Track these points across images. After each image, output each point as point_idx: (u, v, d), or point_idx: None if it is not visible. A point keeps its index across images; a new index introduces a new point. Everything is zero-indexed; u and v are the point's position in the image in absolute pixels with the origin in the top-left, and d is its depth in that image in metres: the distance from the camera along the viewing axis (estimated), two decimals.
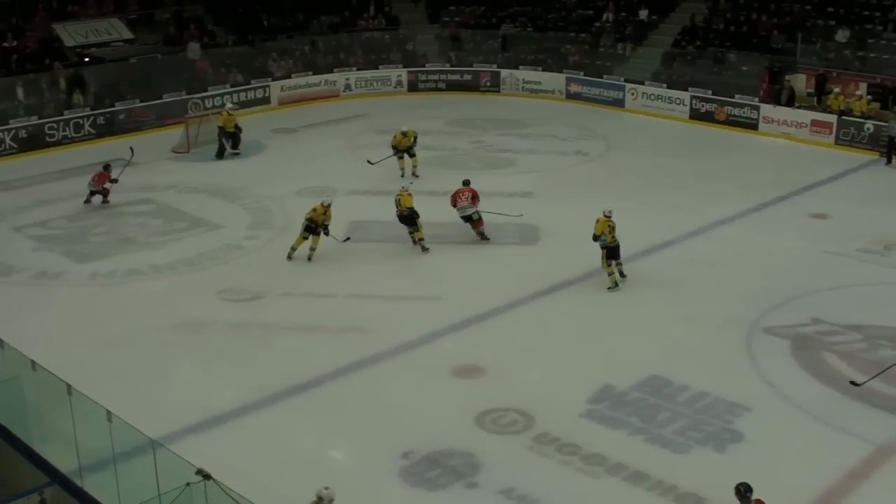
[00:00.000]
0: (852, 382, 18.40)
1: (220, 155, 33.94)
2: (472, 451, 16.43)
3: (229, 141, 34.08)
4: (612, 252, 22.97)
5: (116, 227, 27.05)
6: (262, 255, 25.13)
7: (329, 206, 24.73)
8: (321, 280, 23.46)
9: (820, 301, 21.87)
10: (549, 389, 18.50)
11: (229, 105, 34.81)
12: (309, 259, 24.47)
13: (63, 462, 14.81)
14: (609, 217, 23.02)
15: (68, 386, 14.36)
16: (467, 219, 25.64)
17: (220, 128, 34.21)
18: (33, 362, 15.16)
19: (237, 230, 26.69)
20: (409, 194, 25.52)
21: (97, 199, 28.70)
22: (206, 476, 12.28)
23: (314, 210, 24.59)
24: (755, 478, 15.52)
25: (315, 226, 24.51)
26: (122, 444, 13.99)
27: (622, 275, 23.07)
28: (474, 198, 25.61)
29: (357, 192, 29.40)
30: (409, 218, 25.28)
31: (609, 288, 22.84)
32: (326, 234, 24.68)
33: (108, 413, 13.63)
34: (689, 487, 15.38)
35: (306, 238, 24.53)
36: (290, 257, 24.63)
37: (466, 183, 26.09)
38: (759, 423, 17.23)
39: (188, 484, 12.36)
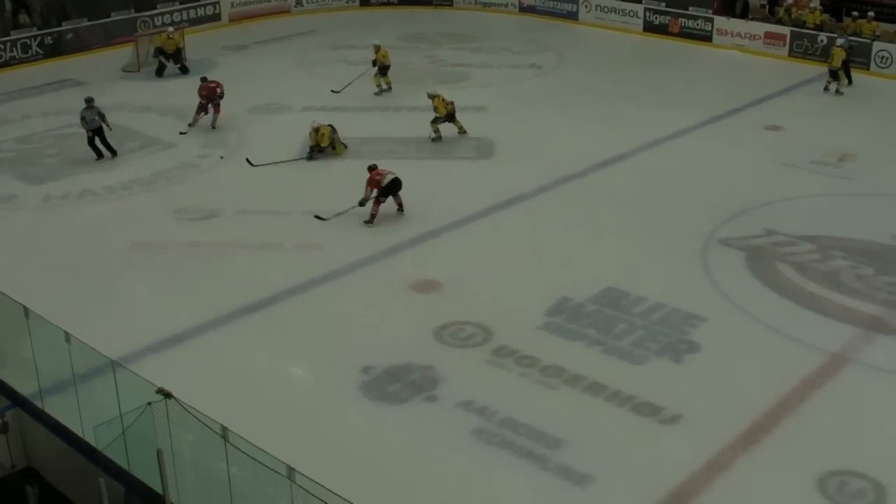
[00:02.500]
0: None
1: (160, 73, 33.66)
2: (431, 364, 16.53)
3: (169, 61, 33.71)
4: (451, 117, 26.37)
5: (68, 149, 26.73)
6: (216, 173, 25.00)
7: (318, 127, 25.57)
8: (275, 198, 23.37)
9: (774, 213, 22.03)
10: (507, 303, 18.60)
11: (170, 29, 34.34)
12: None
13: (23, 385, 14.83)
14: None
15: (25, 308, 14.30)
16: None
17: (157, 48, 33.88)
18: None
19: (190, 149, 26.49)
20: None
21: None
22: (167, 395, 12.29)
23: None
24: (711, 387, 15.88)
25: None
26: (81, 366, 13.96)
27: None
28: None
29: (311, 109, 29.15)
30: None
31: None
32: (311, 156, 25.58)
33: (67, 335, 13.60)
34: (646, 397, 15.55)
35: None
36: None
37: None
38: (714, 333, 17.42)
39: (149, 403, 12.37)
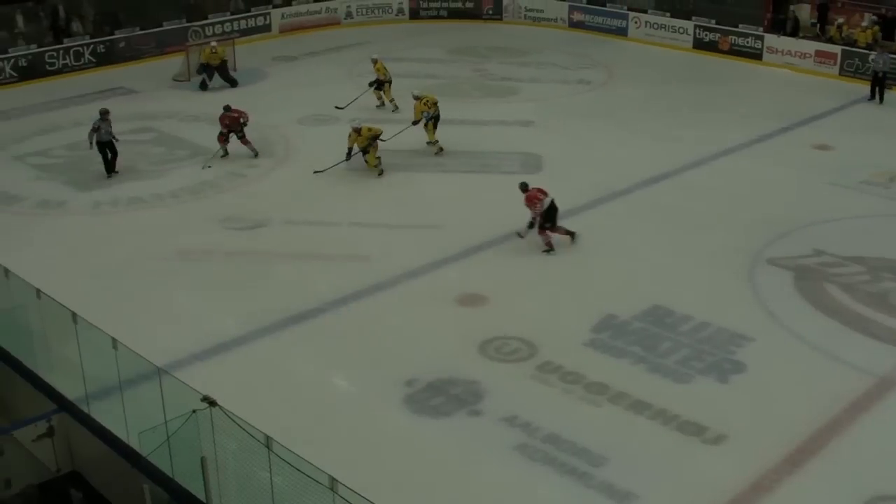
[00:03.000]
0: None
1: (203, 88, 33.81)
2: (476, 378, 16.52)
3: (212, 75, 33.92)
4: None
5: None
6: (264, 183, 25.10)
7: (359, 129, 25.51)
8: (323, 209, 23.45)
9: (822, 233, 21.86)
10: (552, 318, 18.55)
11: (213, 43, 34.54)
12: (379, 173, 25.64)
13: (69, 389, 14.88)
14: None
15: (73, 314, 14.38)
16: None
17: (202, 63, 34.07)
18: (38, 290, 15.17)
19: (238, 159, 26.62)
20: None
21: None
22: (212, 403, 12.32)
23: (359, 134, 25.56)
24: (756, 408, 15.75)
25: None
26: (127, 372, 14.01)
27: None
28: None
29: (359, 121, 29.13)
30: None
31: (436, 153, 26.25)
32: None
33: (114, 341, 13.67)
34: (690, 417, 15.46)
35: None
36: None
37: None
38: (761, 353, 17.28)
39: (194, 411, 12.41)
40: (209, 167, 25.72)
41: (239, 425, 12.17)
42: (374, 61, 31.18)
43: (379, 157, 25.51)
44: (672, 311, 18.62)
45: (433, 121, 26.68)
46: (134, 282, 19.99)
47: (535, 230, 21.33)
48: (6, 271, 15.94)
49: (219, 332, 18.09)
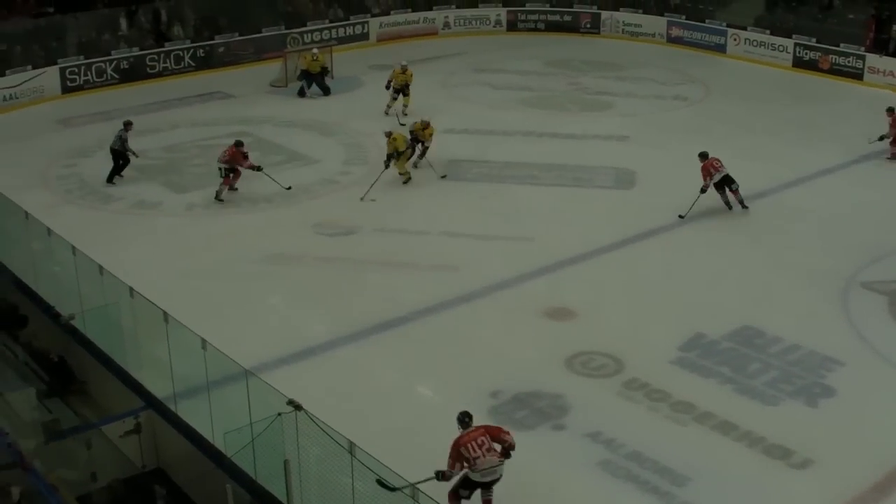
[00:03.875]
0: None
1: (302, 94, 34.11)
2: (561, 392, 16.44)
3: (311, 83, 34.20)
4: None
5: (213, 159, 27.17)
6: (357, 190, 25.20)
7: (427, 123, 25.78)
8: (414, 217, 23.53)
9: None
10: (640, 335, 18.40)
11: (315, 50, 34.82)
12: (415, 166, 26.07)
13: (158, 387, 15.13)
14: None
15: (165, 313, 14.61)
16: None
17: (303, 70, 34.34)
18: (131, 289, 15.44)
19: (332, 165, 26.84)
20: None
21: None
22: (298, 407, 12.43)
23: (414, 125, 26.06)
24: (845, 433, 15.47)
25: (416, 141, 25.99)
26: (215, 373, 14.20)
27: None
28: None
29: (453, 132, 29.30)
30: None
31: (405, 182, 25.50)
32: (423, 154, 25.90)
33: (203, 341, 13.86)
34: (777, 440, 15.22)
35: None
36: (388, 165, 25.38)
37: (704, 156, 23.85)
38: (851, 378, 16.97)
39: (279, 414, 12.52)
40: (373, 200, 24.84)
41: (323, 430, 12.26)
42: (405, 69, 31.41)
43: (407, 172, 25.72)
44: (762, 331, 18.37)
45: (405, 153, 25.63)
46: (224, 284, 20.21)
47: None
48: (101, 269, 16.25)
49: (306, 336, 18.22)
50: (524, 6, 44.56)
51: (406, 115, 30.83)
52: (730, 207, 23.77)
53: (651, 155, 27.48)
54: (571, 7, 44.23)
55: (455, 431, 13.21)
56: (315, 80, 34.16)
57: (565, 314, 19.13)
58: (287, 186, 25.06)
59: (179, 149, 28.20)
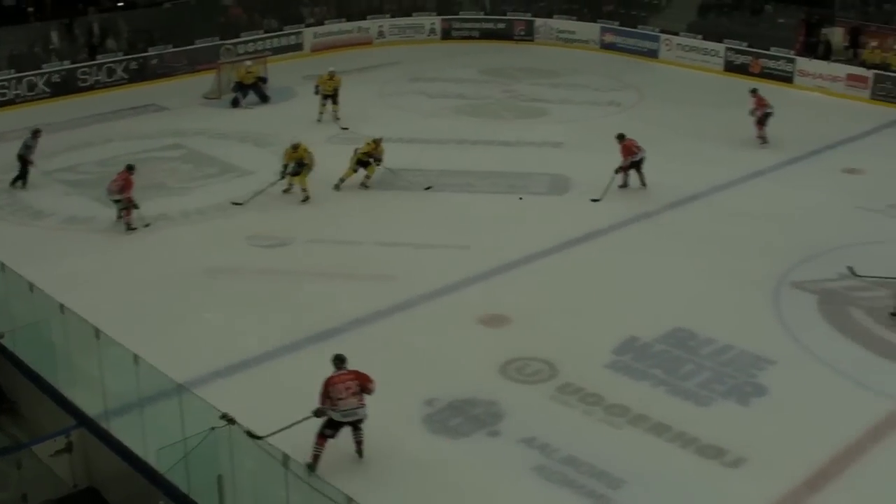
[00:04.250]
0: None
1: (236, 105, 34.09)
2: (496, 399, 16.50)
3: (246, 93, 34.16)
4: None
5: (147, 173, 26.99)
6: (291, 201, 25.15)
7: (380, 140, 25.69)
8: (349, 227, 23.52)
9: (849, 256, 21.67)
10: (574, 340, 18.50)
11: (248, 63, 34.78)
12: (365, 187, 25.80)
13: (90, 405, 14.98)
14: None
15: (96, 329, 14.51)
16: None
17: (236, 82, 34.27)
18: (62, 305, 15.31)
19: (267, 176, 26.65)
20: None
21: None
22: (231, 420, 12.41)
23: (367, 145, 25.75)
24: (777, 431, 15.67)
25: (370, 160, 25.74)
26: (148, 388, 14.12)
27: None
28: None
29: (389, 140, 29.13)
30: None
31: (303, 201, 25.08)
32: (378, 164, 25.91)
33: (135, 357, 13.77)
34: (711, 440, 15.39)
35: (356, 171, 25.73)
36: (338, 188, 25.59)
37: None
38: (783, 377, 17.20)
39: (213, 428, 12.48)
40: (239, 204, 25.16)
41: (257, 443, 12.23)
42: (332, 74, 31.68)
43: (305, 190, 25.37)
44: (695, 333, 18.56)
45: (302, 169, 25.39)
46: (159, 298, 20.08)
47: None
48: (31, 286, 16.10)
49: (242, 349, 18.14)
50: (458, 15, 44.74)
51: (339, 119, 30.92)
52: (644, 185, 25.64)
53: (585, 160, 27.62)
54: (505, 15, 44.45)
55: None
56: (252, 89, 34.08)
57: (500, 321, 19.21)
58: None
59: (113, 163, 27.81)
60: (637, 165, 25.51)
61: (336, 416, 14.48)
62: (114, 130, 30.95)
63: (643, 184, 25.65)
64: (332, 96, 31.57)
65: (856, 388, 16.97)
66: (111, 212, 24.21)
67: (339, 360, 14.90)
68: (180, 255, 22.12)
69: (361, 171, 25.95)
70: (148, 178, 26.30)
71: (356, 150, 26.00)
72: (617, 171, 25.16)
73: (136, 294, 20.22)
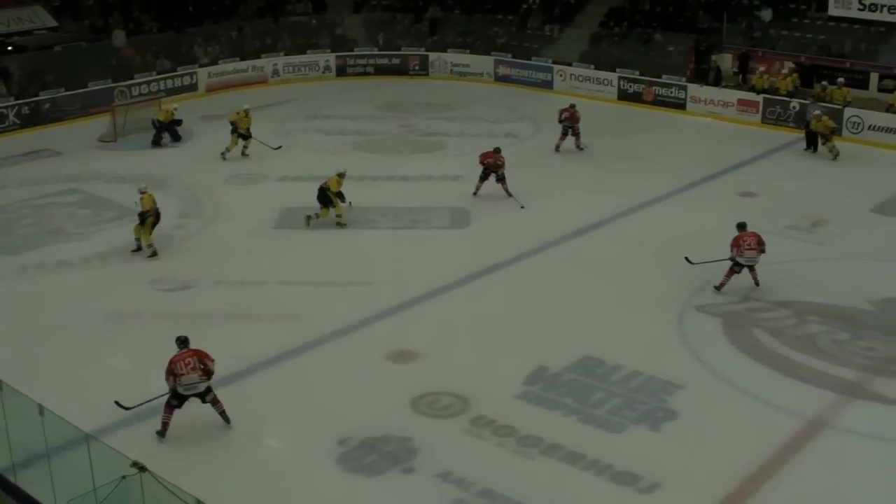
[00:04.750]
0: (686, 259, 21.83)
1: (157, 143, 33.85)
2: (409, 435, 16.43)
3: (164, 133, 33.86)
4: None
5: (44, 218, 26.71)
6: (193, 243, 24.94)
7: (343, 174, 25.84)
8: (252, 268, 23.33)
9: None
10: (484, 372, 18.54)
11: (174, 105, 34.63)
12: (342, 224, 25.84)
13: None
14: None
15: None
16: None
17: (156, 120, 33.97)
18: None
19: (167, 219, 26.27)
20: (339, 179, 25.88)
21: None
22: (142, 468, 12.19)
23: (329, 181, 25.78)
24: (690, 455, 15.83)
25: (329, 195, 25.70)
26: (55, 439, 13.85)
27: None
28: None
29: (287, 179, 29.30)
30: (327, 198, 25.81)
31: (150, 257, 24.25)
32: (343, 200, 25.97)
33: (40, 407, 13.49)
34: (624, 466, 15.48)
35: (326, 207, 25.77)
36: (308, 224, 25.74)
37: (497, 150, 27.72)
38: (692, 400, 17.40)
39: (124, 477, 12.27)
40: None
41: (169, 490, 12.05)
42: (247, 112, 31.83)
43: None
44: (603, 360, 18.70)
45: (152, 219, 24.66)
46: (62, 346, 19.71)
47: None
48: None
49: (149, 395, 17.82)
50: (353, 51, 44.76)
51: (247, 156, 30.91)
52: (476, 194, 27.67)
53: (484, 193, 27.73)
54: (399, 50, 44.61)
55: None
56: (167, 129, 33.82)
57: (409, 356, 19.17)
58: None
59: (8, 209, 27.46)
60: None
61: (181, 390, 16.40)
62: (8, 176, 30.41)
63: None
64: (244, 134, 31.40)
65: (764, 408, 17.20)
66: (10, 259, 23.81)
67: (181, 341, 16.81)
68: (82, 301, 21.75)
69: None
70: (46, 224, 25.96)
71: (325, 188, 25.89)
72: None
73: (38, 342, 19.82)
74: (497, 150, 27.49)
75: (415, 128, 35.67)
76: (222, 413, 16.78)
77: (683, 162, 30.62)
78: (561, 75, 40.76)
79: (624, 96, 38.89)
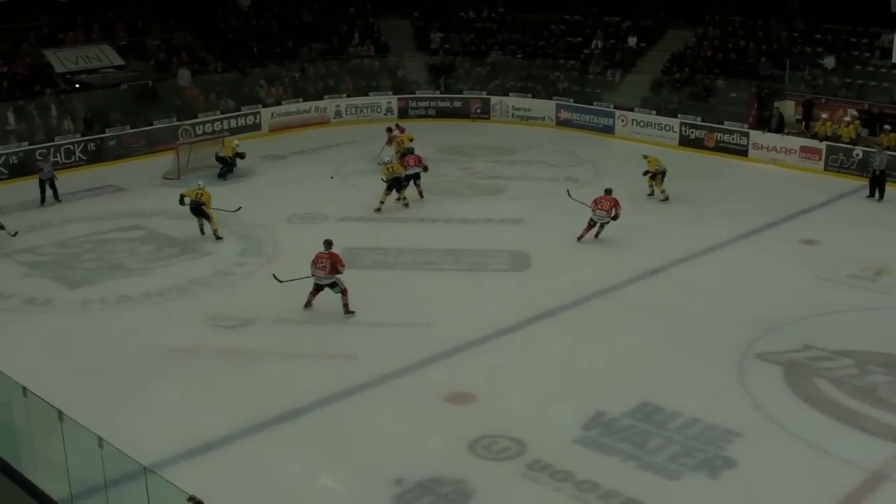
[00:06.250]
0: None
1: (223, 176, 34.62)
2: (465, 477, 16.35)
3: (230, 168, 34.65)
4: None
5: (106, 254, 27.00)
6: (252, 281, 25.08)
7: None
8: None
9: (811, 327, 21.86)
10: (541, 416, 18.45)
11: (236, 142, 35.14)
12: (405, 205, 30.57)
13: (54, 489, 14.73)
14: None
15: (59, 412, 14.29)
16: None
17: (224, 156, 34.75)
18: (24, 388, 15.09)
19: (227, 257, 26.65)
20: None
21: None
22: (199, 503, 12.22)
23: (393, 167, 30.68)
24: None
25: (401, 179, 30.37)
26: (113, 471, 13.90)
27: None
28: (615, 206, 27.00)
29: (348, 220, 29.43)
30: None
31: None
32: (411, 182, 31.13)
33: (100, 439, 13.57)
34: None
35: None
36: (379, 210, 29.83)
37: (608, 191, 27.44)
38: (751, 449, 17.18)
39: None
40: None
41: None
42: (645, 156, 32.80)
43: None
44: (661, 407, 18.54)
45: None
46: (121, 380, 19.88)
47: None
48: None
49: (205, 431, 17.93)
50: (414, 94, 45.03)
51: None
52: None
53: (544, 236, 27.76)
54: (461, 93, 44.80)
55: None
56: (228, 164, 34.70)
57: (466, 398, 19.11)
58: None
59: (72, 244, 27.82)
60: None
61: (314, 279, 22.65)
62: (72, 211, 30.83)
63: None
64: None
65: (824, 459, 16.96)
66: (72, 293, 24.09)
67: (326, 243, 22.96)
68: (142, 336, 21.94)
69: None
70: (108, 259, 26.22)
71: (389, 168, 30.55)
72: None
73: (98, 376, 20.01)
74: (608, 192, 27.61)
75: (475, 171, 35.72)
76: (345, 305, 22.58)
77: (744, 209, 30.43)
78: (622, 120, 40.75)
79: (685, 142, 38.76)
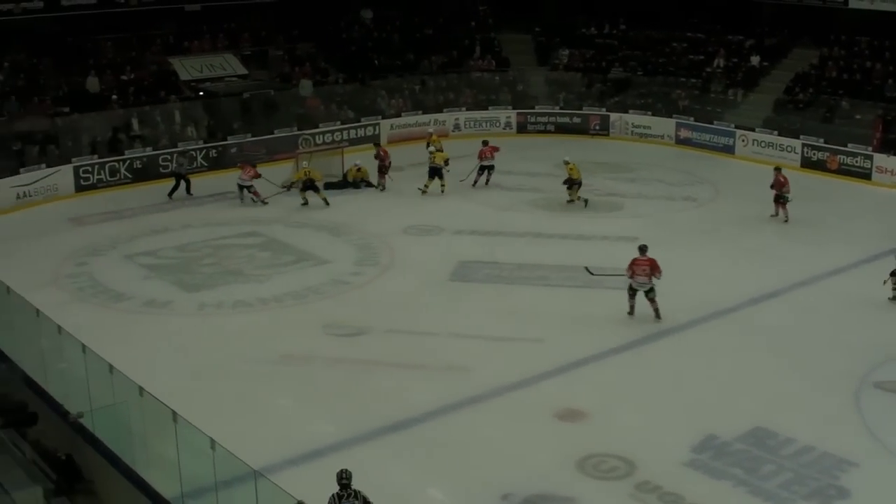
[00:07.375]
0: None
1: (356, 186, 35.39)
2: (573, 495, 16.27)
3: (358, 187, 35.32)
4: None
5: (225, 259, 27.43)
6: (367, 291, 25.27)
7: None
8: (424, 319, 23.50)
9: None
10: (652, 436, 18.25)
11: (358, 162, 35.49)
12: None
13: (165, 487, 14.97)
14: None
15: (174, 413, 14.51)
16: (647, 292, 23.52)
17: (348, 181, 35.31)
18: (141, 388, 15.36)
19: (343, 265, 26.88)
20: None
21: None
22: None
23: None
24: None
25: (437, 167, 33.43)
26: (223, 473, 14.08)
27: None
28: (654, 269, 23.29)
29: (463, 233, 29.49)
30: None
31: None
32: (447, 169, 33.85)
33: (212, 441, 13.75)
34: None
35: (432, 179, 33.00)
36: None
37: (643, 250, 23.71)
38: (866, 479, 16.79)
39: None
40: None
41: None
42: (567, 162, 33.58)
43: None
44: (775, 433, 18.21)
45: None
46: (234, 383, 20.16)
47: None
48: (111, 367, 16.17)
49: (315, 437, 18.10)
50: (534, 108, 45.02)
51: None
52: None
53: (660, 256, 27.29)
54: (581, 109, 44.65)
55: None
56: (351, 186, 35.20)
57: (576, 416, 19.01)
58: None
59: (191, 248, 28.32)
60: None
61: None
62: (192, 216, 31.37)
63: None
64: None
65: None
66: (190, 296, 24.49)
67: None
68: (256, 342, 22.23)
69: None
70: (226, 265, 26.61)
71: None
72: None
73: (213, 379, 20.34)
74: (643, 250, 24.43)
75: (593, 187, 35.48)
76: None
77: (866, 233, 29.81)
78: (743, 140, 40.21)
79: (807, 164, 38.08)
